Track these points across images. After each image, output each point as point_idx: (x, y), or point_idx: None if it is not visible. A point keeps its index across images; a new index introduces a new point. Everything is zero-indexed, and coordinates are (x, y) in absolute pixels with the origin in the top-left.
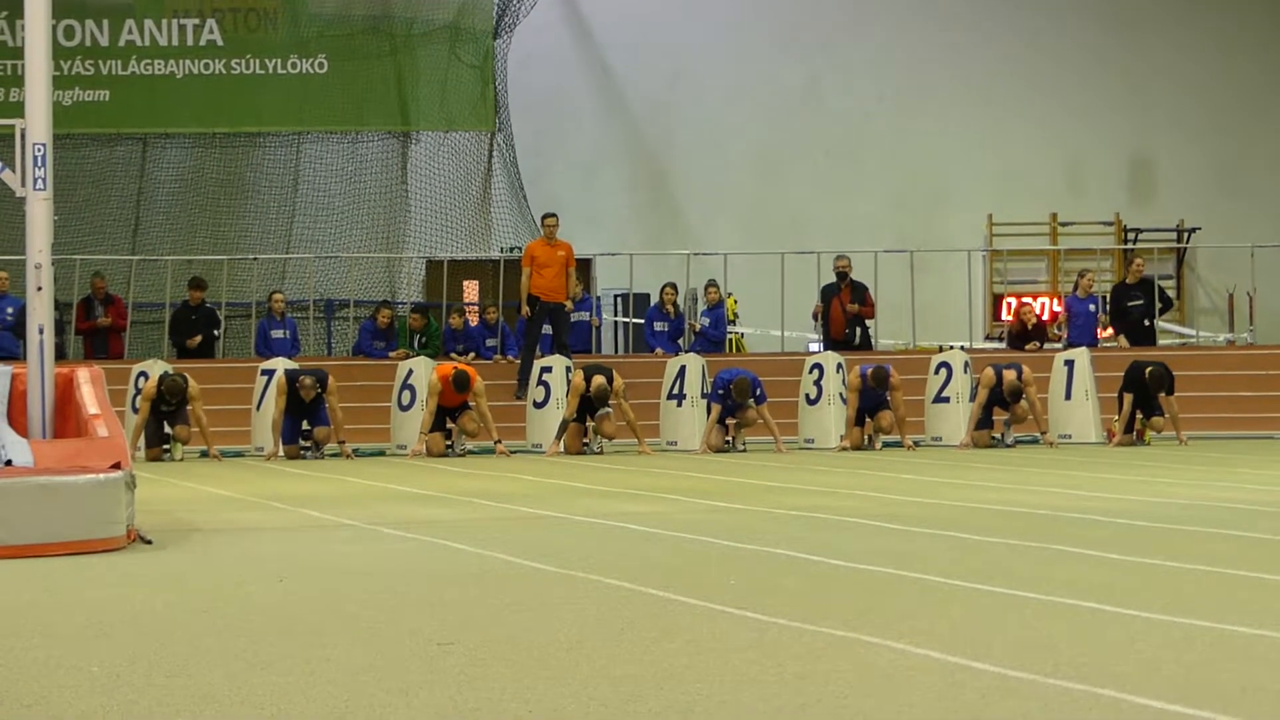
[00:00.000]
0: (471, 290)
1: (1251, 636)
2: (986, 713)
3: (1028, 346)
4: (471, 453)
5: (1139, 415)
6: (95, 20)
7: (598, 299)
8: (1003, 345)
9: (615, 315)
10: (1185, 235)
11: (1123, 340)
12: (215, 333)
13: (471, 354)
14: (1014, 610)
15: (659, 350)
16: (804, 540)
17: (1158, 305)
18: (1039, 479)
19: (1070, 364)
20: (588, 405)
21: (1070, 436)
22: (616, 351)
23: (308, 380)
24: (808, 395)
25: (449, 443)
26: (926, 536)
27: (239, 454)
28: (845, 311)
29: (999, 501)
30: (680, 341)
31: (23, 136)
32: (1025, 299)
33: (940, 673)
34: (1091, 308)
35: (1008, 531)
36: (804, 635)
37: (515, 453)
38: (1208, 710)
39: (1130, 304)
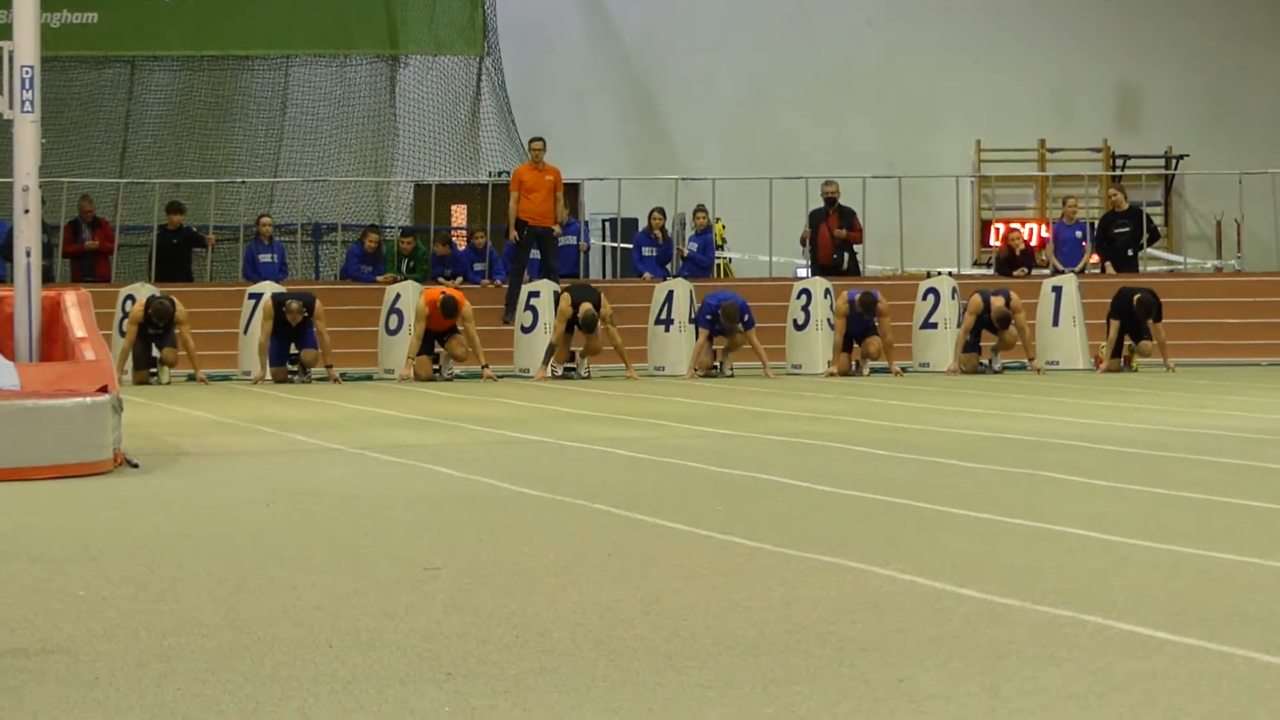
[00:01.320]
0: (459, 215)
1: (1237, 563)
2: (973, 638)
3: (1016, 273)
4: (459, 377)
5: (1127, 341)
6: None
7: (585, 224)
8: (991, 271)
9: (604, 240)
10: (1173, 162)
11: (1109, 267)
12: (198, 249)
13: (459, 278)
14: (1001, 537)
15: (647, 275)
16: (790, 466)
17: (1145, 235)
18: (1026, 405)
19: (1058, 290)
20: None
21: (1058, 363)
22: (604, 276)
23: (294, 304)
24: (795, 321)
25: (436, 367)
26: (913, 463)
27: (225, 378)
28: (833, 237)
29: (986, 428)
30: (668, 267)
31: (10, 59)
32: (1013, 225)
33: (927, 598)
34: (1079, 234)
35: (995, 458)
36: (790, 560)
37: (502, 377)
38: (1193, 637)
39: (1117, 231)
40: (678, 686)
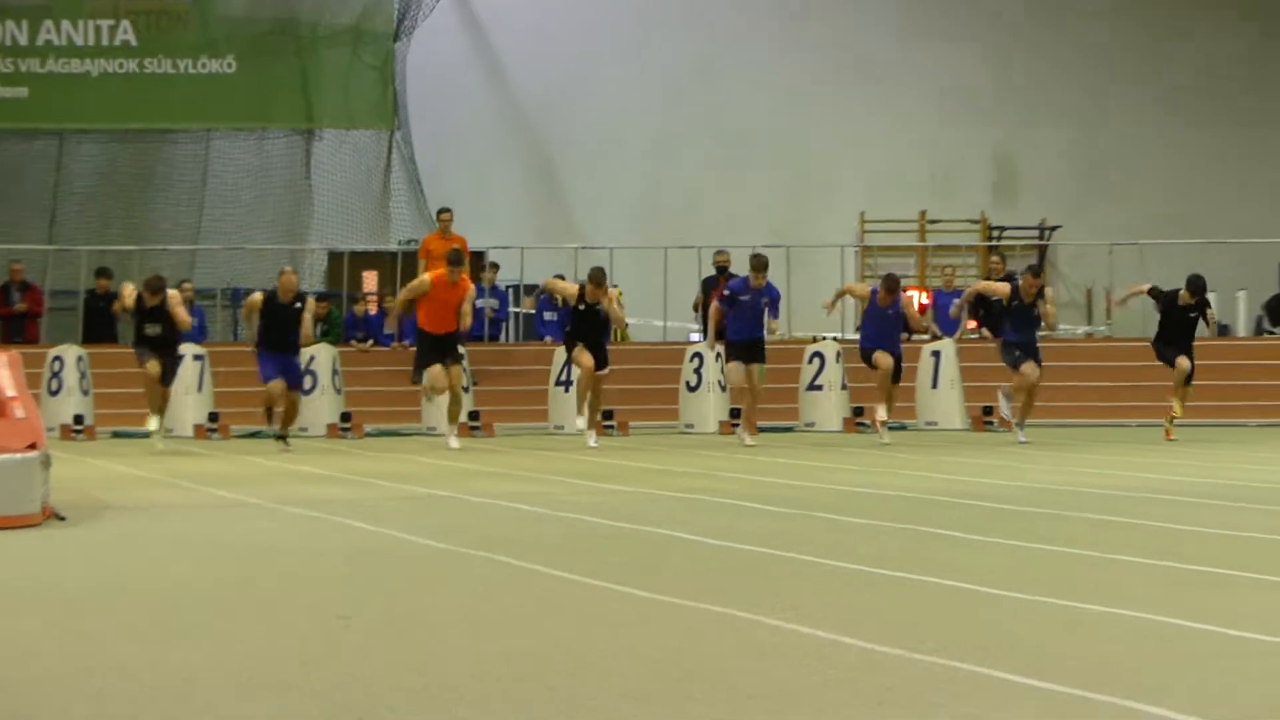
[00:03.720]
0: (371, 280)
1: (1103, 614)
2: (854, 685)
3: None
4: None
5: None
6: (14, 20)
7: (508, 289)
8: None
9: (511, 306)
10: (1047, 233)
11: (985, 332)
12: (123, 315)
13: (370, 341)
14: (882, 588)
15: (548, 339)
16: (685, 521)
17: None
18: (908, 463)
19: (937, 355)
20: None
21: (937, 423)
22: (510, 339)
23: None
24: (688, 382)
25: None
26: (801, 518)
27: (147, 435)
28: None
29: (869, 484)
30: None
31: None
32: None
33: (811, 648)
34: (956, 302)
35: (877, 514)
36: (684, 611)
37: (412, 435)
38: (1062, 684)
39: (994, 298)
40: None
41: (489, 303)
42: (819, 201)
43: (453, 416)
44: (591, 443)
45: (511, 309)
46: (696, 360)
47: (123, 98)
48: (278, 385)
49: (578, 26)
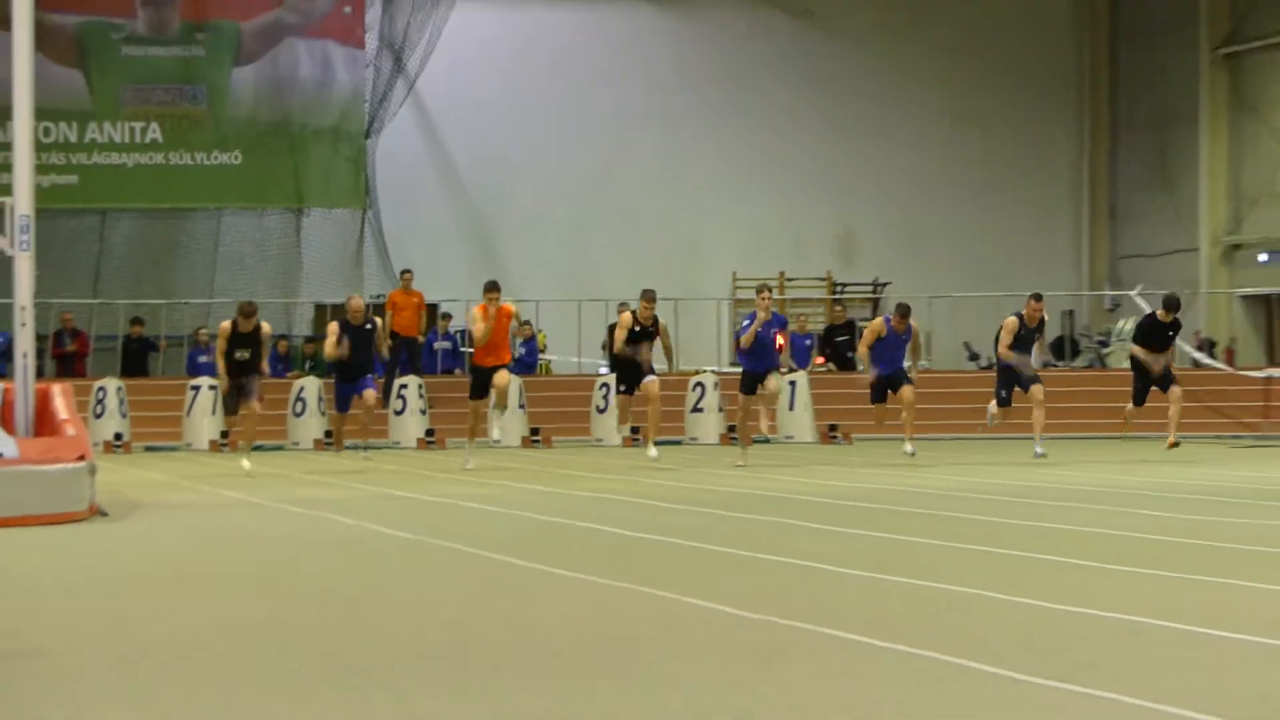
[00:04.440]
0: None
1: (932, 588)
2: (731, 645)
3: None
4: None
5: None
6: (67, 122)
7: (450, 334)
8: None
9: (461, 346)
10: (879, 287)
11: (832, 366)
12: (152, 353)
13: (278, 377)
14: (753, 567)
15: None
16: (604, 516)
17: (858, 342)
18: (775, 469)
19: (794, 384)
20: (637, 339)
21: (793, 437)
22: (455, 373)
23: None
24: (597, 405)
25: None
26: (697, 513)
27: (174, 448)
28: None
29: (746, 487)
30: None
31: (11, 211)
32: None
33: (698, 615)
34: (808, 342)
35: (751, 509)
36: (599, 588)
37: (375, 448)
38: (899, 644)
39: (838, 339)
40: (520, 679)
41: (443, 344)
42: (700, 262)
43: (499, 402)
44: (653, 453)
45: (462, 348)
46: (604, 389)
47: (152, 183)
48: (337, 418)
49: (510, 128)
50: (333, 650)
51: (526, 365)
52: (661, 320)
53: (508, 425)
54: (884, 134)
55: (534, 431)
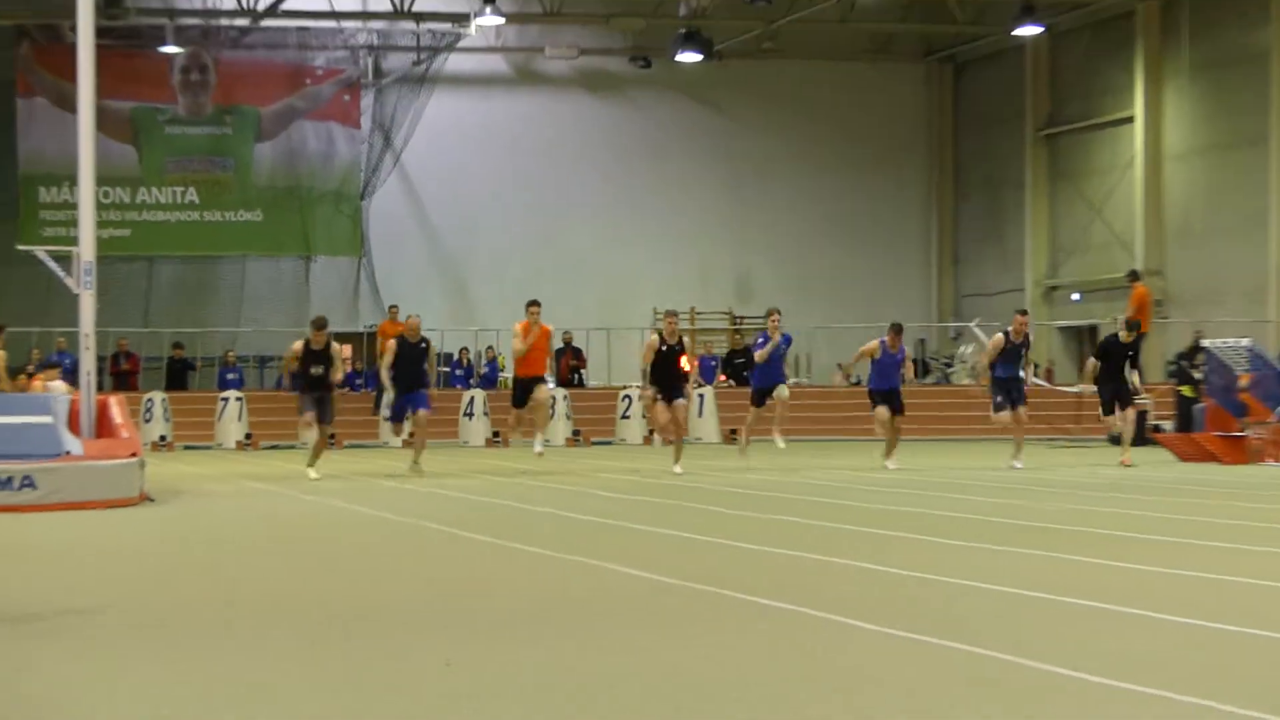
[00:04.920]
0: (346, 351)
1: (781, 554)
2: (644, 606)
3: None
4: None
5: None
6: (121, 186)
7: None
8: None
9: (439, 366)
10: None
11: (732, 382)
12: (190, 371)
13: (346, 387)
14: (661, 542)
15: (458, 386)
16: (556, 501)
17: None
18: (691, 466)
19: (701, 396)
20: (666, 357)
21: (700, 439)
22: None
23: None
24: (622, 413)
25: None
26: (610, 499)
27: (207, 447)
28: (569, 366)
29: (635, 471)
30: (470, 380)
31: (78, 259)
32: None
33: (626, 580)
34: (713, 363)
35: (648, 494)
36: (544, 558)
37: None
38: (765, 598)
39: (737, 361)
40: (496, 624)
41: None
42: (628, 298)
43: (540, 424)
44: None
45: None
46: (626, 399)
47: (189, 236)
48: (397, 428)
49: (477, 191)
50: (329, 604)
51: (490, 380)
52: (686, 340)
53: (554, 427)
54: (773, 197)
55: (575, 433)
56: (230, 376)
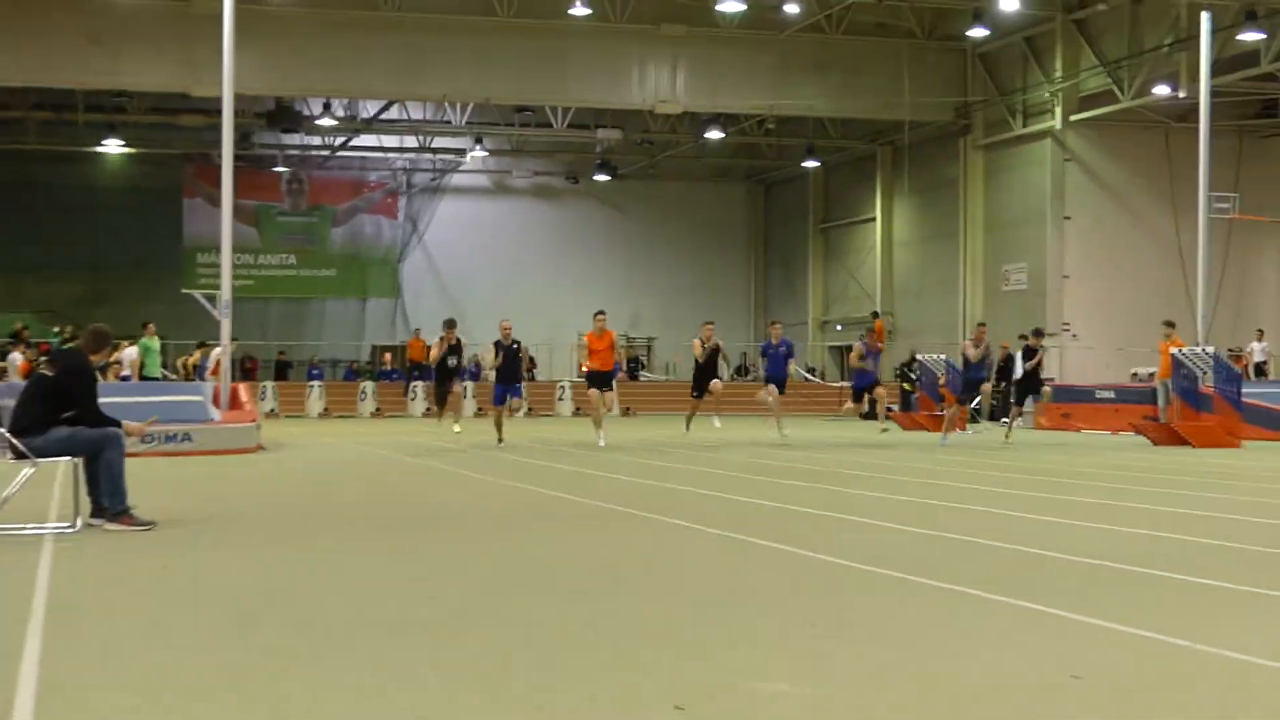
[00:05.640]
0: (388, 357)
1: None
2: (571, 514)
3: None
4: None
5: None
6: (248, 253)
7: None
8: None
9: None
10: (651, 340)
11: (626, 378)
12: (290, 368)
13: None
14: (600, 481)
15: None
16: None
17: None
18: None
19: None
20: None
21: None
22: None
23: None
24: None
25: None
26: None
27: (301, 417)
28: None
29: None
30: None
31: (221, 297)
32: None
33: (553, 501)
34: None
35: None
36: (498, 485)
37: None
38: (652, 514)
39: (630, 365)
40: (464, 531)
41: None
42: (561, 325)
43: (597, 423)
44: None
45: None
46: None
47: (290, 284)
48: (496, 412)
49: (469, 258)
50: (361, 513)
51: (474, 375)
52: (720, 342)
53: (613, 410)
54: (654, 266)
55: (626, 409)
56: (314, 371)
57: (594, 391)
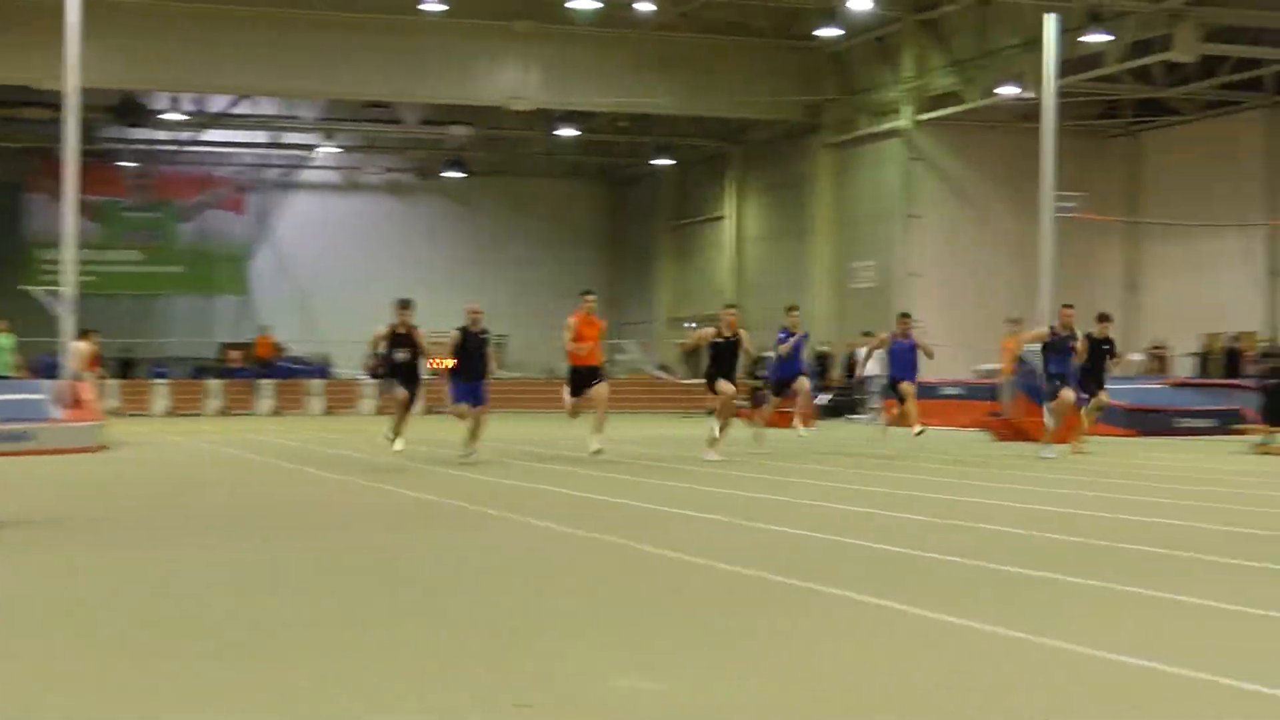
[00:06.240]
0: (237, 353)
1: (610, 503)
2: (453, 514)
3: None
4: None
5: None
6: (91, 249)
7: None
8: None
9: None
10: (503, 337)
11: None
12: (132, 367)
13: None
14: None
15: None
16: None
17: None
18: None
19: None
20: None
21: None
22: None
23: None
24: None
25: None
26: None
27: (146, 414)
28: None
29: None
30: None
31: (64, 294)
32: None
33: (446, 508)
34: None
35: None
36: (392, 492)
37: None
38: (586, 530)
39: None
40: (357, 528)
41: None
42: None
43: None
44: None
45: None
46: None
47: (136, 281)
48: (460, 412)
49: (319, 253)
50: (195, 513)
51: (324, 373)
52: (743, 331)
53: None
54: (504, 259)
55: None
56: (159, 370)
57: (571, 399)
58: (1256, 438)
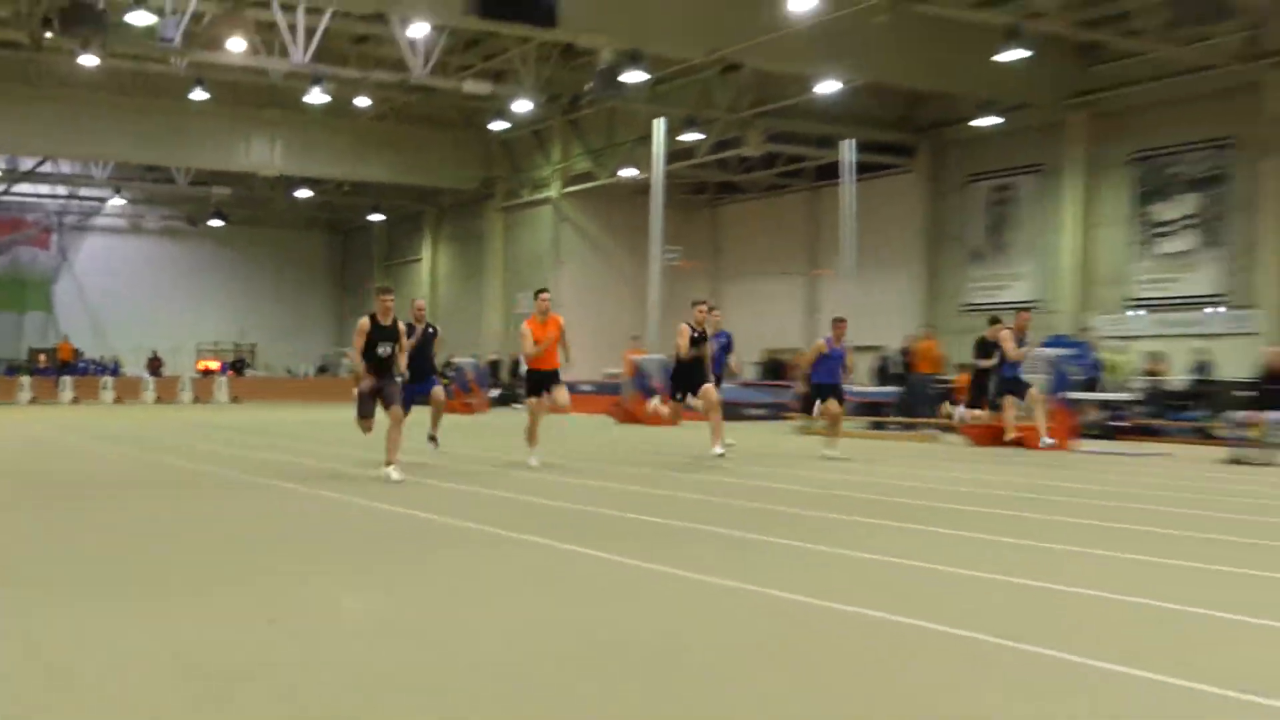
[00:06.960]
0: (43, 356)
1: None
2: (398, 531)
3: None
4: None
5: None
6: None
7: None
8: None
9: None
10: (254, 349)
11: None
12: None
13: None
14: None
15: (99, 373)
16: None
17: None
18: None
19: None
20: (696, 343)
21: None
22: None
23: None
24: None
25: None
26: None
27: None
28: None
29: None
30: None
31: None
32: None
33: (394, 517)
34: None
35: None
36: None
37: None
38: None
39: (236, 363)
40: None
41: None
42: (186, 336)
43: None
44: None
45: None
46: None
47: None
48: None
49: (111, 281)
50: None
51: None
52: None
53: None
54: (254, 290)
55: (235, 397)
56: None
57: (533, 400)
58: (799, 422)
